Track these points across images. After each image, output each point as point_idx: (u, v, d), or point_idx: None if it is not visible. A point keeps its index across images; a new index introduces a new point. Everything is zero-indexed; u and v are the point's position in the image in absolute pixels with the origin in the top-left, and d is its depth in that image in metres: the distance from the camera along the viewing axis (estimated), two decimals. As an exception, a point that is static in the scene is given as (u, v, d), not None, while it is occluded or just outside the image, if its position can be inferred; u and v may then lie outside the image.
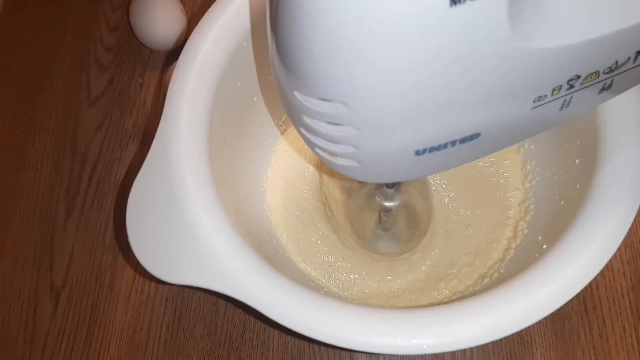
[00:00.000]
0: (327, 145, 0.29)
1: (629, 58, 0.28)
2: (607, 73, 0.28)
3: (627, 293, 0.51)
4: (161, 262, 0.38)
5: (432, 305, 0.37)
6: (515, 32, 0.23)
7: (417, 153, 0.29)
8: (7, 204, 0.59)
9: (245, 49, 0.44)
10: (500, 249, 0.50)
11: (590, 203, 0.38)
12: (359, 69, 0.24)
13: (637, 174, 0.38)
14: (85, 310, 0.54)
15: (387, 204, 0.49)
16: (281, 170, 0.55)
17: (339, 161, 0.30)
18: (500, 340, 0.50)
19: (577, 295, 0.35)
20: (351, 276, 0.51)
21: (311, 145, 0.31)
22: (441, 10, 0.21)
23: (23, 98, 0.63)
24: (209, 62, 0.42)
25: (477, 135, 0.28)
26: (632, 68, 0.28)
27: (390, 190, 0.47)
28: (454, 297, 0.48)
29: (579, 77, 0.27)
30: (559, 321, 0.50)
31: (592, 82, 0.28)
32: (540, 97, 0.27)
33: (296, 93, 0.27)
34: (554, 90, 0.27)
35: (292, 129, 0.56)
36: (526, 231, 0.48)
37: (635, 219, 0.37)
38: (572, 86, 0.27)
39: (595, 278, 0.36)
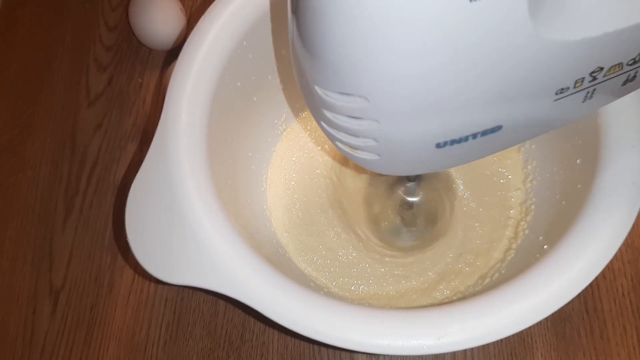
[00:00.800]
0: (348, 139, 0.29)
1: None
2: (631, 65, 0.28)
3: (628, 293, 0.51)
4: (160, 263, 0.38)
5: (432, 305, 0.37)
6: (536, 24, 0.23)
7: (438, 146, 0.29)
8: (6, 204, 0.59)
9: (244, 49, 0.44)
10: (501, 249, 0.50)
11: (592, 203, 0.38)
12: (379, 63, 0.24)
13: (638, 174, 0.37)
14: (85, 311, 0.54)
15: (408, 198, 0.49)
16: (281, 170, 0.55)
17: (360, 154, 0.31)
18: (501, 340, 0.50)
19: (578, 296, 0.35)
20: (351, 276, 0.51)
21: (332, 138, 0.31)
22: (462, 5, 0.21)
23: (22, 98, 0.63)
24: (209, 62, 0.42)
25: (499, 127, 0.28)
26: None
27: (412, 185, 0.47)
28: (454, 298, 0.48)
29: (601, 69, 0.27)
30: (560, 322, 0.50)
31: (615, 74, 0.28)
32: (563, 89, 0.27)
33: (317, 88, 0.27)
34: (576, 82, 0.27)
35: (291, 129, 0.56)
36: (527, 231, 0.48)
37: (636, 219, 0.37)
38: (595, 78, 0.27)
39: (596, 278, 0.36)
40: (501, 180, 0.52)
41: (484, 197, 0.52)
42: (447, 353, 0.50)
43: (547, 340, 0.50)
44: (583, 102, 0.29)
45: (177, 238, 0.38)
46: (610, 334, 0.50)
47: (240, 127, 0.49)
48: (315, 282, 0.51)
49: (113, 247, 0.56)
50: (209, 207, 0.39)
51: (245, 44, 0.44)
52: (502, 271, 0.46)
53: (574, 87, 0.27)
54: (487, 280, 0.47)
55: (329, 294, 0.50)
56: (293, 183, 0.55)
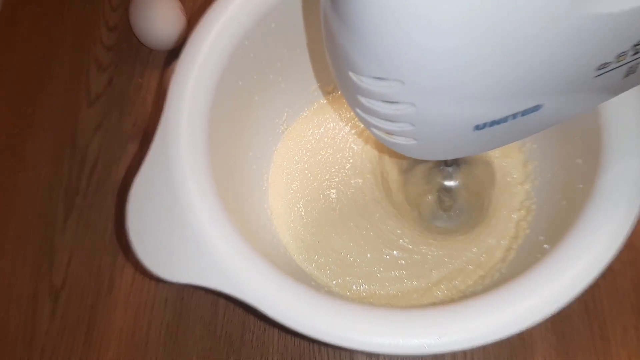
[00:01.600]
0: (384, 125, 0.29)
1: None
2: None
3: (628, 294, 0.51)
4: (162, 261, 0.38)
5: (433, 304, 0.37)
6: None
7: (477, 128, 0.28)
8: (6, 204, 0.59)
9: (246, 48, 0.44)
10: (502, 248, 0.50)
11: (592, 203, 0.38)
12: (415, 44, 0.23)
13: (639, 175, 0.37)
14: (85, 311, 0.54)
15: (446, 183, 0.49)
16: (283, 169, 0.55)
17: (397, 140, 0.30)
18: (501, 340, 0.50)
19: (578, 296, 0.35)
20: (352, 276, 0.51)
21: (367, 125, 0.30)
22: None
23: (22, 98, 0.63)
24: (210, 61, 0.42)
25: (539, 107, 0.28)
26: None
27: (449, 169, 0.47)
28: (455, 297, 0.48)
29: None
30: (560, 322, 0.50)
31: None
32: (604, 64, 0.26)
33: (351, 74, 0.27)
34: (619, 56, 0.26)
35: (293, 128, 0.56)
36: (528, 231, 0.48)
37: (636, 219, 0.37)
38: (638, 51, 0.27)
39: (596, 279, 0.36)
40: (501, 180, 0.52)
41: (485, 196, 0.52)
42: (447, 353, 0.50)
43: (547, 340, 0.50)
44: (626, 76, 0.28)
45: (178, 236, 0.38)
46: (610, 334, 0.50)
47: (242, 126, 0.49)
48: (316, 281, 0.51)
49: (113, 247, 0.56)
50: (210, 205, 0.39)
51: (246, 43, 0.44)
52: (503, 271, 0.46)
53: (617, 62, 0.27)
54: (487, 280, 0.47)
55: (329, 292, 0.50)
56: (294, 182, 0.55)
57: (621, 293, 0.51)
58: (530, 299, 0.35)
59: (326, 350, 0.51)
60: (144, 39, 0.61)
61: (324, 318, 0.35)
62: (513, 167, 0.52)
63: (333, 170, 0.55)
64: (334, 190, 0.54)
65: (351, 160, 0.55)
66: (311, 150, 0.56)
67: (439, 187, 0.50)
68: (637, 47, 0.26)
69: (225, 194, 0.41)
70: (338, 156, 0.55)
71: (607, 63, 0.26)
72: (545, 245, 0.40)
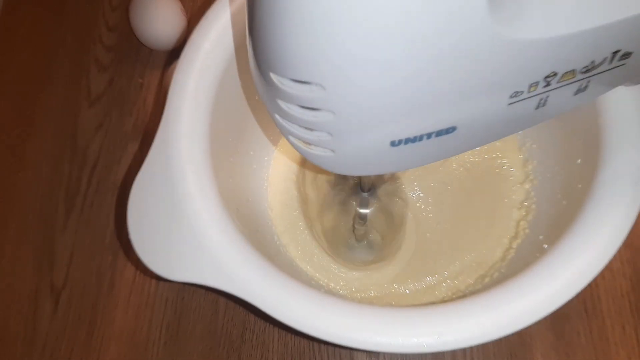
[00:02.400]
0: (302, 133, 0.29)
1: (605, 59, 0.28)
2: (584, 73, 0.28)
3: (627, 293, 0.51)
4: (162, 260, 0.38)
5: (432, 304, 0.37)
6: (495, 22, 0.23)
7: (393, 144, 0.28)
8: (6, 204, 0.59)
9: (246, 47, 0.44)
10: (501, 248, 0.50)
11: (592, 203, 0.38)
12: (336, 50, 0.23)
13: (638, 174, 0.38)
14: (85, 311, 0.54)
15: (361, 210, 0.49)
16: (282, 169, 0.55)
17: (314, 150, 0.30)
18: (500, 340, 0.50)
19: (577, 296, 0.35)
20: (351, 275, 0.51)
21: (285, 132, 0.30)
22: None
23: (23, 98, 0.63)
24: (211, 61, 0.42)
25: (453, 129, 0.28)
26: (607, 70, 0.29)
27: (366, 195, 0.47)
28: (454, 297, 0.48)
29: (555, 74, 0.27)
30: (559, 321, 0.50)
31: (568, 82, 0.28)
32: (517, 92, 0.27)
33: (272, 75, 0.27)
34: (530, 86, 0.27)
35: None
36: (527, 231, 0.48)
37: (635, 219, 0.37)
38: (548, 84, 0.27)
39: (595, 278, 0.36)
40: (501, 180, 0.53)
41: (484, 196, 0.53)
42: (447, 352, 0.50)
43: (546, 340, 0.50)
44: (536, 109, 0.29)
45: (179, 235, 0.38)
46: (609, 334, 0.50)
47: (242, 126, 0.49)
48: (315, 280, 0.51)
49: (114, 247, 0.56)
50: (210, 205, 0.39)
51: (247, 42, 0.44)
52: (502, 270, 0.47)
53: (528, 92, 0.27)
54: (487, 280, 0.47)
55: (329, 292, 0.50)
56: (294, 182, 0.55)
57: (620, 292, 0.51)
58: (529, 298, 0.35)
59: (326, 349, 0.51)
60: (144, 39, 0.61)
61: (323, 317, 0.35)
62: (513, 167, 0.52)
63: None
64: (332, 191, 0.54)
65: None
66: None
67: (354, 216, 0.50)
68: (548, 79, 0.27)
69: (226, 193, 0.42)
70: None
71: (520, 92, 0.27)
72: (544, 245, 0.40)
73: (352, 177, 0.48)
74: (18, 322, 0.54)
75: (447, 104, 0.26)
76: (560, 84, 0.28)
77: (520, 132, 0.45)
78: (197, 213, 0.38)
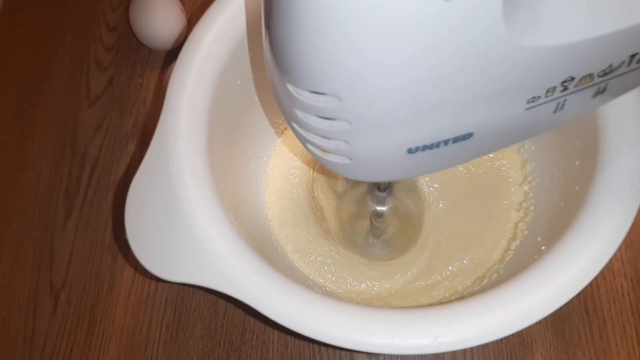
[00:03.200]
0: (319, 141, 0.29)
1: (623, 62, 0.27)
2: (602, 76, 0.28)
3: (628, 293, 0.50)
4: (160, 261, 0.38)
5: (430, 305, 0.37)
6: (510, 29, 0.23)
7: (410, 151, 0.28)
8: (6, 204, 0.59)
9: (245, 47, 0.44)
10: (500, 249, 0.50)
11: (590, 205, 0.38)
12: (352, 62, 0.24)
13: (636, 176, 0.38)
14: (85, 311, 0.54)
15: (378, 208, 0.49)
16: (281, 169, 0.55)
17: (331, 158, 0.30)
18: (501, 340, 0.50)
19: (577, 296, 0.35)
20: (349, 276, 0.51)
21: (303, 141, 0.30)
22: (436, 5, 0.21)
23: (22, 98, 0.63)
24: (209, 61, 0.42)
25: (470, 135, 0.28)
26: (626, 72, 0.28)
27: (382, 194, 0.47)
28: (452, 298, 0.48)
29: (573, 78, 0.27)
30: (559, 322, 0.50)
31: (586, 85, 0.28)
32: (534, 97, 0.27)
33: (289, 86, 0.27)
34: (547, 91, 0.27)
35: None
36: (525, 232, 0.48)
37: (635, 219, 0.37)
38: (566, 88, 0.27)
39: (596, 278, 0.36)
40: (500, 182, 0.52)
41: (483, 197, 0.52)
42: (447, 352, 0.50)
43: (546, 340, 0.50)
44: (554, 112, 0.29)
45: (177, 236, 0.38)
46: (609, 334, 0.50)
47: (241, 126, 0.49)
48: (313, 281, 0.51)
49: (113, 247, 0.56)
50: (208, 205, 0.39)
51: (246, 42, 0.44)
52: (500, 272, 0.46)
53: (546, 97, 0.27)
54: (485, 281, 0.47)
55: (326, 293, 0.50)
56: (292, 183, 0.55)
57: (621, 293, 0.51)
58: (527, 300, 0.35)
59: (326, 350, 0.51)
60: (144, 39, 0.61)
61: (320, 318, 0.35)
62: (511, 168, 0.52)
63: (324, 171, 0.55)
64: (322, 196, 0.54)
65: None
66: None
67: (371, 213, 0.50)
68: (565, 84, 0.27)
69: (224, 193, 0.42)
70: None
71: (537, 97, 0.27)
72: (542, 247, 0.40)
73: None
74: (18, 322, 0.54)
75: (464, 111, 0.26)
76: (578, 88, 0.28)
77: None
78: (195, 214, 0.38)
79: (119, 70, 0.64)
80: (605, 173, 0.38)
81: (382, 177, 0.35)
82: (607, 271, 0.52)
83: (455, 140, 0.28)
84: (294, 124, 0.30)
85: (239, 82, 0.46)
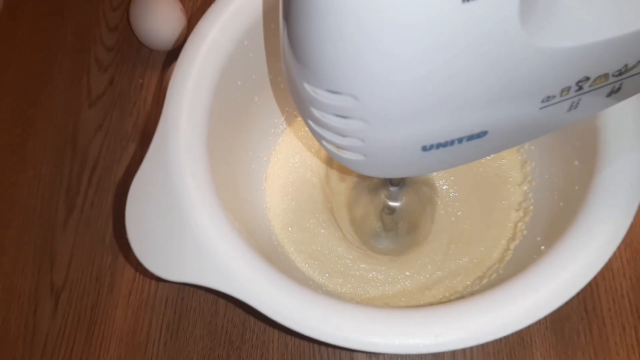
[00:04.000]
0: (335, 138, 0.29)
1: (639, 62, 0.28)
2: (616, 76, 0.28)
3: (627, 293, 0.51)
4: (161, 260, 0.38)
5: (430, 305, 0.37)
6: (527, 30, 0.23)
7: (424, 149, 0.29)
8: (7, 204, 0.59)
9: (245, 48, 0.44)
10: (499, 249, 0.50)
11: (589, 204, 0.38)
12: (369, 62, 0.24)
13: (636, 176, 0.38)
14: (85, 310, 0.54)
15: (390, 203, 0.49)
16: (281, 169, 0.55)
17: (346, 154, 0.31)
18: (500, 340, 0.50)
19: (577, 296, 0.35)
20: (349, 276, 0.51)
21: (318, 137, 0.31)
22: (454, 6, 0.21)
23: (23, 98, 0.63)
24: (209, 61, 0.42)
25: (485, 133, 0.28)
26: None
27: (395, 189, 0.47)
28: (452, 298, 0.48)
29: (588, 78, 0.27)
30: (559, 321, 0.50)
31: (601, 85, 0.28)
32: (549, 97, 0.27)
33: (306, 85, 0.27)
34: (562, 91, 0.27)
35: (291, 128, 0.56)
36: (525, 232, 0.48)
37: (635, 219, 0.37)
38: (580, 88, 0.27)
39: (595, 278, 0.36)
40: (499, 181, 0.52)
41: (483, 198, 0.52)
42: (447, 352, 0.50)
43: (546, 340, 0.50)
44: (568, 111, 0.29)
45: (177, 236, 0.38)
46: (609, 334, 0.50)
47: (241, 126, 0.49)
48: (314, 280, 0.51)
49: (114, 247, 0.56)
50: (208, 205, 0.39)
51: (246, 43, 0.44)
52: (500, 271, 0.47)
53: (560, 96, 0.27)
54: (484, 281, 0.47)
55: (326, 292, 0.50)
56: (292, 182, 0.55)
57: (620, 292, 0.51)
58: (526, 299, 0.35)
59: (326, 350, 0.51)
60: (144, 39, 0.61)
61: (322, 318, 0.35)
62: (511, 168, 0.52)
63: (325, 171, 0.55)
64: (335, 186, 0.54)
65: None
66: (310, 150, 0.56)
67: (382, 207, 0.51)
68: (580, 83, 0.27)
69: (224, 193, 0.42)
70: (325, 158, 0.56)
71: (552, 96, 0.27)
72: (542, 247, 0.40)
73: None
74: (18, 322, 0.54)
75: (478, 110, 0.27)
76: (592, 88, 0.28)
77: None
78: (195, 213, 0.38)
79: (120, 70, 0.64)
80: (604, 173, 0.38)
81: (395, 174, 0.36)
82: (607, 271, 0.52)
83: (470, 138, 0.28)
84: (309, 122, 0.30)
85: (239, 82, 0.46)
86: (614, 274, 0.51)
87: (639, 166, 0.38)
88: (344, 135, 0.29)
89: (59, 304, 0.54)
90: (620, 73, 0.28)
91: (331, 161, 0.55)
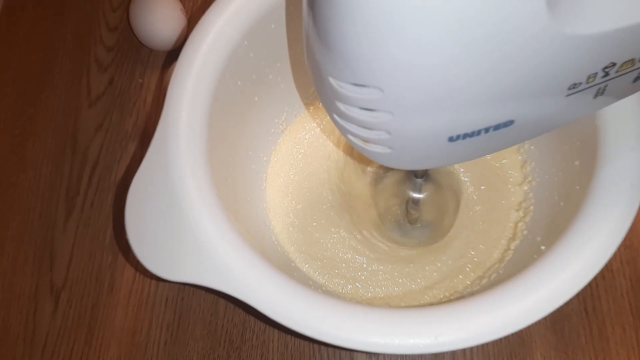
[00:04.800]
0: (361, 132, 0.30)
1: None
2: None
3: (627, 293, 0.51)
4: (161, 260, 0.38)
5: (431, 304, 0.37)
6: (553, 17, 0.23)
7: (451, 139, 0.29)
8: (7, 204, 0.59)
9: (245, 48, 0.44)
10: (499, 249, 0.50)
11: (590, 204, 0.38)
12: (394, 53, 0.24)
13: (636, 176, 0.38)
14: (85, 311, 0.54)
15: (415, 195, 0.49)
16: (281, 169, 0.55)
17: (372, 147, 0.31)
18: (501, 340, 0.50)
19: (577, 296, 0.35)
20: (349, 276, 0.51)
21: (344, 131, 0.31)
22: None
23: (23, 98, 0.63)
24: (209, 61, 0.42)
25: (511, 122, 0.28)
26: None
27: (419, 181, 0.47)
28: (452, 297, 0.48)
29: (614, 64, 0.27)
30: (559, 321, 0.50)
31: (627, 70, 0.28)
32: (575, 84, 0.27)
33: (331, 79, 0.27)
34: (589, 77, 0.27)
35: (292, 128, 0.56)
36: (525, 232, 0.48)
37: (635, 219, 0.37)
38: (607, 74, 0.27)
39: (595, 278, 0.36)
40: (500, 181, 0.52)
41: (484, 197, 0.52)
42: (447, 352, 0.50)
43: (546, 340, 0.50)
44: (594, 98, 0.29)
45: (177, 236, 0.38)
46: (609, 334, 0.50)
47: (241, 126, 0.49)
48: (314, 280, 0.51)
49: (114, 247, 0.56)
50: (208, 205, 0.39)
51: (246, 43, 0.44)
52: (500, 271, 0.47)
53: (587, 83, 0.27)
54: (484, 281, 0.47)
55: (327, 292, 0.50)
56: (292, 182, 0.55)
57: (620, 292, 0.51)
58: (526, 299, 0.35)
59: (326, 350, 0.51)
60: (144, 39, 0.61)
61: (320, 317, 0.35)
62: (511, 168, 0.52)
63: (330, 171, 0.55)
64: (330, 192, 0.54)
65: (345, 162, 0.55)
66: (310, 150, 0.56)
67: (407, 199, 0.51)
68: (606, 69, 0.27)
69: (224, 193, 0.42)
70: (336, 157, 0.56)
71: (578, 83, 0.27)
72: (542, 247, 0.40)
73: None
74: (18, 322, 0.54)
75: (505, 99, 0.27)
76: (619, 74, 0.28)
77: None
78: (195, 213, 0.38)
79: (120, 70, 0.64)
80: (604, 173, 0.38)
81: (421, 165, 0.36)
82: (607, 271, 0.52)
83: (496, 127, 0.28)
84: (335, 116, 0.30)
85: (239, 82, 0.46)
86: (614, 274, 0.51)
87: (639, 166, 0.38)
88: (370, 129, 0.29)
89: (59, 304, 0.54)
90: None
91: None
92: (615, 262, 0.52)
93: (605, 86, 0.28)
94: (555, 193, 0.45)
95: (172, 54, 0.64)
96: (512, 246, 0.48)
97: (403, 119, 0.27)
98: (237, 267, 0.37)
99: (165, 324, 0.53)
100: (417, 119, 0.27)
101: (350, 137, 0.31)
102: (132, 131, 0.61)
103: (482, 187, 0.53)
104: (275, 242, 0.52)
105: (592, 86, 0.28)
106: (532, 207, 0.49)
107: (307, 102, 0.56)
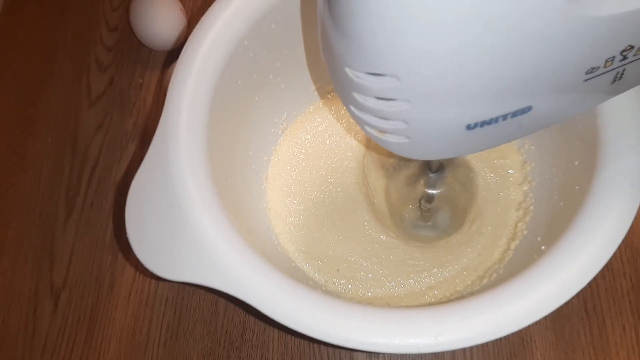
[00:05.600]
0: (377, 122, 0.29)
1: None
2: None
3: (627, 293, 0.51)
4: (161, 260, 0.38)
5: (431, 304, 0.37)
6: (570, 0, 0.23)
7: (469, 127, 0.29)
8: (7, 204, 0.59)
9: (246, 48, 0.44)
10: (499, 249, 0.50)
11: (589, 204, 0.38)
12: (411, 40, 0.24)
13: (636, 176, 0.37)
14: (85, 310, 0.54)
15: (429, 191, 0.49)
16: (281, 168, 0.55)
17: (389, 138, 0.30)
18: (500, 340, 0.50)
19: (577, 296, 0.35)
20: (349, 276, 0.51)
21: (361, 123, 0.31)
22: None
23: (23, 98, 0.63)
24: (209, 61, 0.42)
25: (529, 108, 0.28)
26: None
27: (434, 176, 0.47)
28: (452, 297, 0.48)
29: (632, 47, 0.27)
30: (559, 321, 0.50)
31: None
32: (593, 68, 0.27)
33: (347, 69, 0.27)
34: (607, 61, 0.27)
35: (292, 128, 0.56)
36: (525, 232, 0.48)
37: (635, 218, 0.37)
38: (625, 57, 0.27)
39: (595, 278, 0.36)
40: (500, 181, 0.52)
41: (483, 197, 0.52)
42: (447, 352, 0.50)
43: (546, 340, 0.50)
44: (612, 83, 0.29)
45: (177, 235, 0.38)
46: (609, 334, 0.50)
47: (241, 126, 0.49)
48: (314, 280, 0.51)
49: (114, 247, 0.56)
50: (208, 205, 0.39)
51: (246, 42, 0.44)
52: (500, 271, 0.47)
53: (605, 67, 0.27)
54: (485, 281, 0.47)
55: (327, 292, 0.50)
56: (293, 182, 0.55)
57: (620, 292, 0.51)
58: (526, 299, 0.35)
59: (326, 349, 0.51)
60: (144, 39, 0.61)
61: (320, 317, 0.35)
62: (511, 168, 0.52)
63: (331, 170, 0.55)
64: (331, 191, 0.54)
65: (346, 162, 0.55)
66: (310, 149, 0.56)
67: (421, 195, 0.50)
68: (624, 53, 0.27)
69: (224, 193, 0.42)
70: (336, 157, 0.56)
71: (596, 67, 0.27)
72: (542, 246, 0.40)
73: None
74: (18, 322, 0.54)
75: (523, 85, 0.27)
76: (637, 57, 0.28)
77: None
78: (195, 213, 0.38)
79: (120, 70, 0.64)
80: (604, 173, 0.38)
81: (438, 155, 0.35)
82: (607, 271, 0.52)
83: (514, 114, 0.28)
84: (351, 107, 0.30)
85: (240, 82, 0.46)
86: (614, 274, 0.51)
87: (639, 166, 0.38)
88: (386, 118, 0.29)
89: (59, 304, 0.54)
90: None
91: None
92: (616, 262, 0.52)
93: (624, 70, 0.28)
94: (555, 193, 0.45)
95: (172, 54, 0.64)
96: (512, 246, 0.48)
97: (420, 107, 0.27)
98: (237, 267, 0.37)
99: (165, 324, 0.53)
100: (435, 107, 0.27)
101: (367, 128, 0.31)
102: (132, 131, 0.61)
103: (482, 187, 0.53)
104: (276, 242, 0.52)
105: (610, 70, 0.28)
106: (532, 207, 0.49)
107: (308, 102, 0.56)
